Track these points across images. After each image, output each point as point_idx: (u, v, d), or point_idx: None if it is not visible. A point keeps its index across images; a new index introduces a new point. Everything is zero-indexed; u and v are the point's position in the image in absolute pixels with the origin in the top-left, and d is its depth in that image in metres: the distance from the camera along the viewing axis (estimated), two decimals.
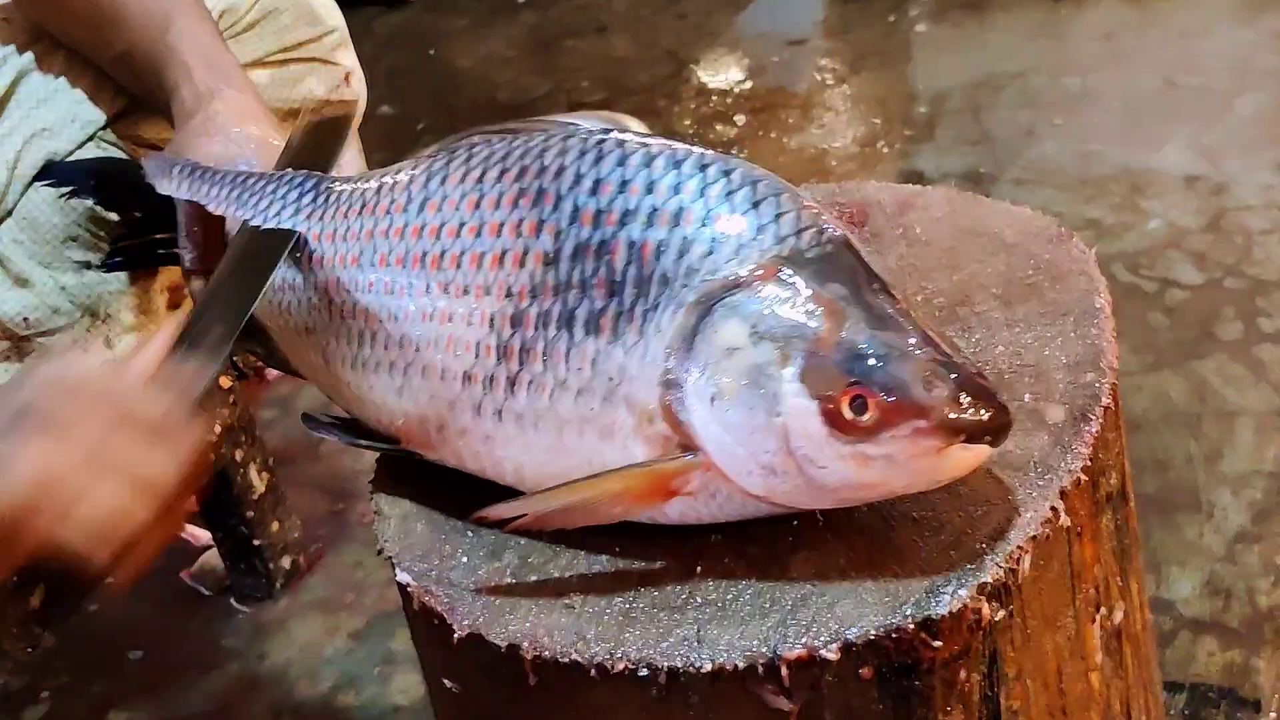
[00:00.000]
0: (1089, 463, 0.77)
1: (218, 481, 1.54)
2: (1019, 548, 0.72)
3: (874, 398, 0.68)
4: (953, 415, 0.69)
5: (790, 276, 0.73)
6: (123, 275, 1.18)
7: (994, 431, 0.70)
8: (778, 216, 0.75)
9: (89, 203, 1.13)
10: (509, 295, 0.79)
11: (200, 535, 1.73)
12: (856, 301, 0.72)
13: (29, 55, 1.16)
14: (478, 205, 0.82)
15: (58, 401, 0.79)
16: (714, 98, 2.82)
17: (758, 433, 0.71)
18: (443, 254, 0.83)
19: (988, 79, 2.64)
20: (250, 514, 1.60)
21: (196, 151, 0.99)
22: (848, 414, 0.69)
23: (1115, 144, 2.33)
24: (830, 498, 0.73)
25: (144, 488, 0.78)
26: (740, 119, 2.70)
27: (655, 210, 0.76)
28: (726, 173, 0.77)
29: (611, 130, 0.82)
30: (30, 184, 1.12)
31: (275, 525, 1.64)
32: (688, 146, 0.80)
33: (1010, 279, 0.92)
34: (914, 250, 0.97)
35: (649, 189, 0.77)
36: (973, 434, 0.69)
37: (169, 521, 0.82)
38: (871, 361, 0.70)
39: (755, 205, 0.75)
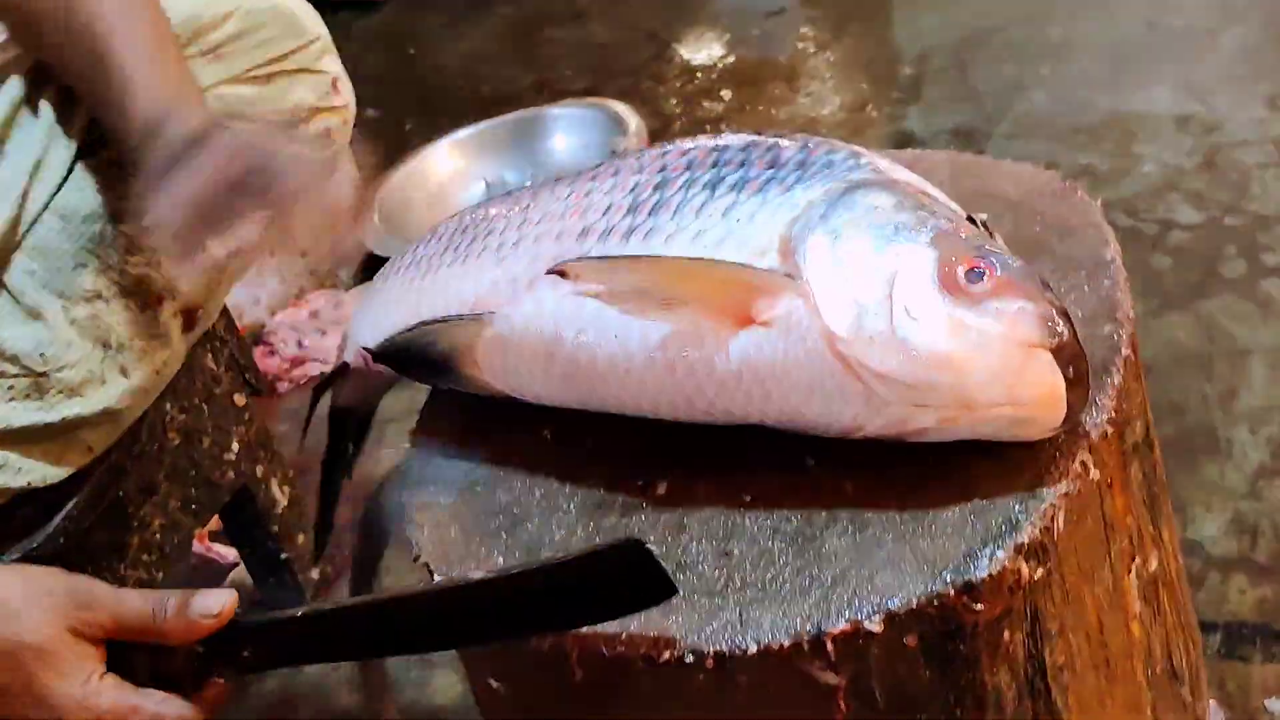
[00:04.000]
0: (1114, 414, 0.77)
1: (240, 499, 1.55)
2: (1052, 505, 0.72)
3: (994, 271, 0.72)
4: (1054, 322, 0.71)
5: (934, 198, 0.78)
6: (130, 302, 1.17)
7: (1078, 368, 0.71)
8: None
9: (96, 229, 1.14)
10: (662, 170, 0.83)
11: (227, 554, 1.74)
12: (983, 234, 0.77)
13: (20, 82, 1.15)
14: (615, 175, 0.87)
15: None
16: (699, 75, 2.81)
17: (868, 269, 0.73)
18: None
19: (970, 35, 2.64)
20: (275, 528, 1.60)
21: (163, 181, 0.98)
22: (962, 279, 0.71)
23: (1103, 90, 2.32)
24: (903, 369, 0.71)
25: None
26: (726, 94, 2.70)
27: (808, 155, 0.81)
28: None
29: None
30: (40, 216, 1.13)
31: (301, 537, 1.64)
32: None
33: (1018, 237, 0.92)
34: None
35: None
36: (1061, 351, 0.71)
37: None
38: (997, 253, 0.73)
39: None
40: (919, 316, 0.71)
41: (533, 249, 0.85)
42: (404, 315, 0.91)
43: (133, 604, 0.80)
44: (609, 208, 0.83)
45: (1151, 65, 2.36)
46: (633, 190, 0.83)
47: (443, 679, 1.50)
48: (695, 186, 0.81)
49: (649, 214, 0.81)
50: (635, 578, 0.70)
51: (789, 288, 0.73)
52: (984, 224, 0.78)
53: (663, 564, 0.70)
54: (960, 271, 0.71)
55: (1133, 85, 2.31)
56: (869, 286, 0.72)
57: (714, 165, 0.82)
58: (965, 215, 0.79)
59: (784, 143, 0.83)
